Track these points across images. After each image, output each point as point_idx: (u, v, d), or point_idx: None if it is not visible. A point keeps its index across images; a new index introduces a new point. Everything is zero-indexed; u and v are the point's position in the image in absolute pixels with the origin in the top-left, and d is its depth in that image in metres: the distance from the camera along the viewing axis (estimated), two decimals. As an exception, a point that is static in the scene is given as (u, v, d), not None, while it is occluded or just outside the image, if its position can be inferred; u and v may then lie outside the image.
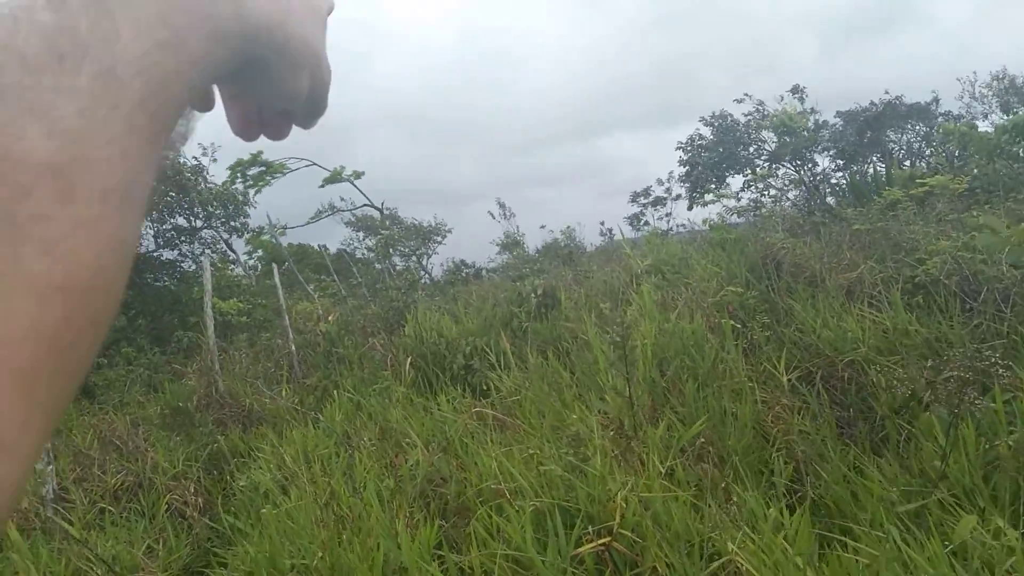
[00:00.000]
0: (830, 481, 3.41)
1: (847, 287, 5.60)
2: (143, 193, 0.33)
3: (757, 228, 6.98)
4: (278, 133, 0.50)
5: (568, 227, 22.13)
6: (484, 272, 21.09)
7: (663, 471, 2.66)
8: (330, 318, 6.78)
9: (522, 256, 17.44)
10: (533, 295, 6.24)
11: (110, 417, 6.18)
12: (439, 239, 23.45)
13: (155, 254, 12.67)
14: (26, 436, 0.27)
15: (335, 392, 5.79)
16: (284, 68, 0.42)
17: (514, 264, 13.85)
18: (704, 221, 7.17)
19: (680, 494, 2.51)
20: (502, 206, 24.77)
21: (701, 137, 17.43)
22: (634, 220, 24.08)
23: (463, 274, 20.47)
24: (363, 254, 25.24)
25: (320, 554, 2.82)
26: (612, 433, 2.93)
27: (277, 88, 0.43)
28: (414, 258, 22.22)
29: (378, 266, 23.04)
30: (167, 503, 4.89)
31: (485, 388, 5.42)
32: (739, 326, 4.82)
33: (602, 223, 19.19)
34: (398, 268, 21.49)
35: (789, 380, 4.46)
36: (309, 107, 0.48)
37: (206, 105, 0.45)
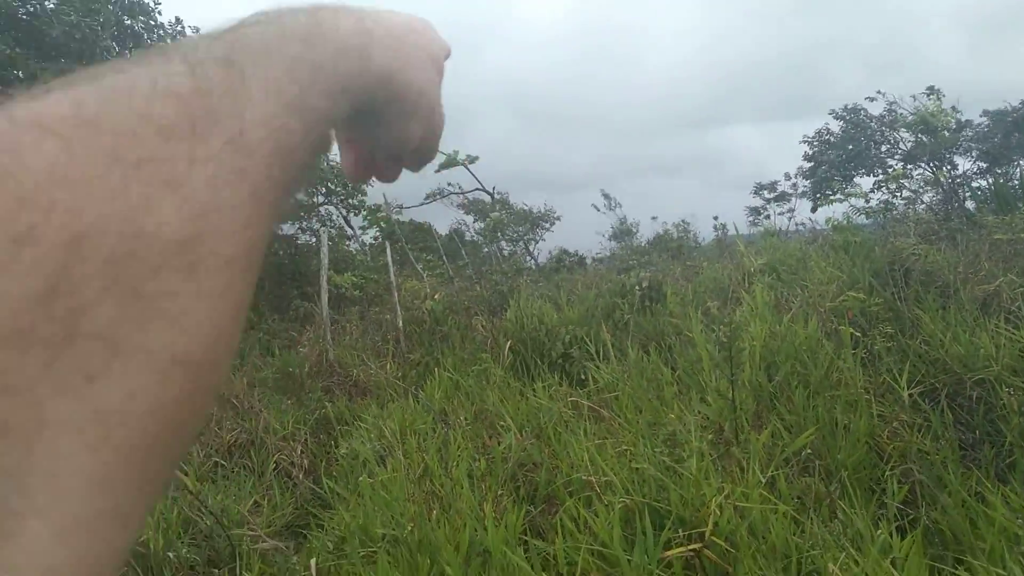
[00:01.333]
0: (948, 506, 3.16)
1: (982, 300, 5.15)
2: (260, 258, 0.33)
3: (886, 232, 6.52)
4: (388, 176, 0.51)
5: (682, 220, 21.59)
6: (589, 261, 20.96)
7: (763, 480, 2.53)
8: (436, 296, 6.92)
9: (630, 247, 17.17)
10: (637, 288, 6.11)
11: (229, 377, 6.60)
12: (547, 225, 23.48)
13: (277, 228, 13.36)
14: (138, 507, 0.28)
15: (436, 370, 5.92)
16: (399, 115, 0.42)
17: (621, 255, 13.64)
18: (827, 220, 6.78)
19: (781, 506, 2.38)
20: (607, 197, 24.49)
21: (829, 132, 16.47)
22: (754, 213, 23.16)
23: (566, 262, 20.44)
24: (472, 237, 25.69)
25: (410, 527, 2.88)
26: (711, 436, 2.82)
27: (390, 134, 0.44)
28: (521, 243, 22.38)
29: (485, 249, 23.37)
30: (275, 462, 5.18)
31: (583, 378, 5.38)
32: (859, 334, 4.52)
33: (715, 218, 18.56)
34: (505, 252, 21.71)
35: (910, 395, 4.15)
36: (419, 153, 0.49)
37: (324, 147, 0.45)
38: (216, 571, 3.79)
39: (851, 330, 4.40)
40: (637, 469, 2.82)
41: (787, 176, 20.69)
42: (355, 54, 0.37)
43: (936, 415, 3.93)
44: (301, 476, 5.24)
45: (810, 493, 2.64)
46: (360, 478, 3.87)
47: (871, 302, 5.23)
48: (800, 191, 20.90)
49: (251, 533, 3.88)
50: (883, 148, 15.62)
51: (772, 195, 22.19)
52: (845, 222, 6.67)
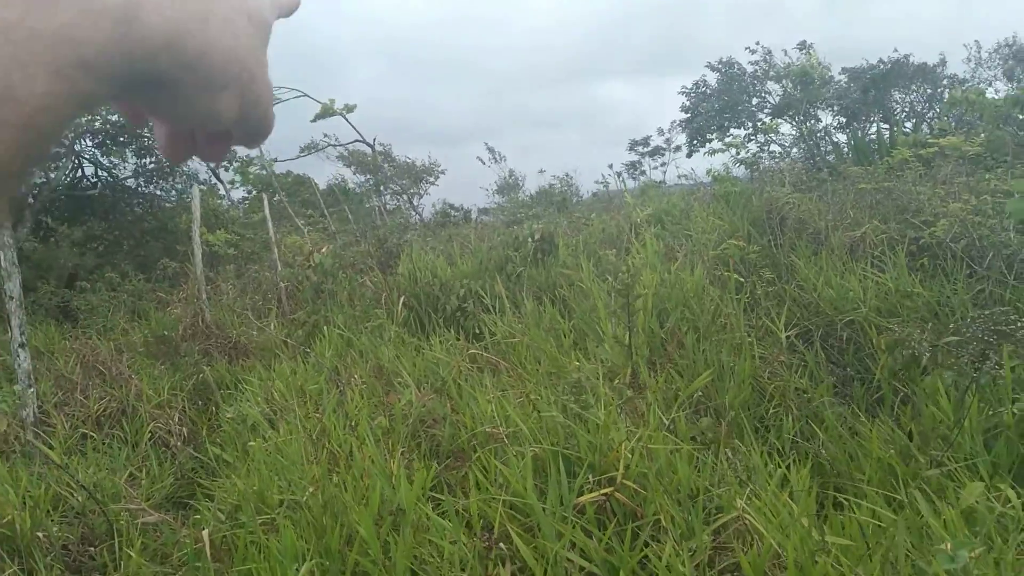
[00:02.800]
0: (828, 440, 3.39)
1: (850, 246, 5.52)
2: None
3: (762, 182, 6.85)
4: (212, 155, 0.45)
5: (566, 174, 21.88)
6: (475, 215, 20.89)
7: (666, 423, 2.59)
8: (323, 250, 6.62)
9: (516, 201, 17.22)
10: (530, 240, 6.11)
11: (93, 342, 6.06)
12: (431, 180, 23.11)
13: (136, 182, 12.32)
14: None
15: (325, 328, 5.69)
16: (200, 86, 0.36)
17: (510, 208, 13.64)
18: (708, 172, 7.03)
19: (684, 447, 2.44)
20: (491, 150, 24.39)
21: (706, 83, 17.07)
22: (631, 168, 23.82)
23: (452, 217, 20.26)
24: (354, 190, 24.87)
25: (311, 490, 2.75)
26: (616, 382, 2.85)
27: (194, 108, 0.37)
28: (404, 197, 21.92)
29: (367, 204, 22.72)
30: (151, 432, 4.82)
31: (478, 332, 5.34)
32: (741, 280, 4.73)
33: (603, 175, 18.98)
34: (389, 208, 21.21)
35: (788, 337, 4.41)
36: (246, 128, 0.42)
37: (137, 120, 0.41)
38: (92, 549, 3.50)
39: (736, 276, 4.59)
40: (543, 418, 2.81)
41: (660, 131, 21.39)
42: (110, 14, 0.30)
43: (811, 355, 4.20)
44: (180, 444, 4.92)
45: (708, 433, 2.73)
46: (250, 443, 3.66)
47: (750, 250, 5.48)
48: (674, 146, 21.71)
49: (130, 507, 3.59)
50: (754, 101, 16.39)
51: (646, 150, 22.90)
52: (725, 173, 6.94)
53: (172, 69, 0.34)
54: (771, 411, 3.65)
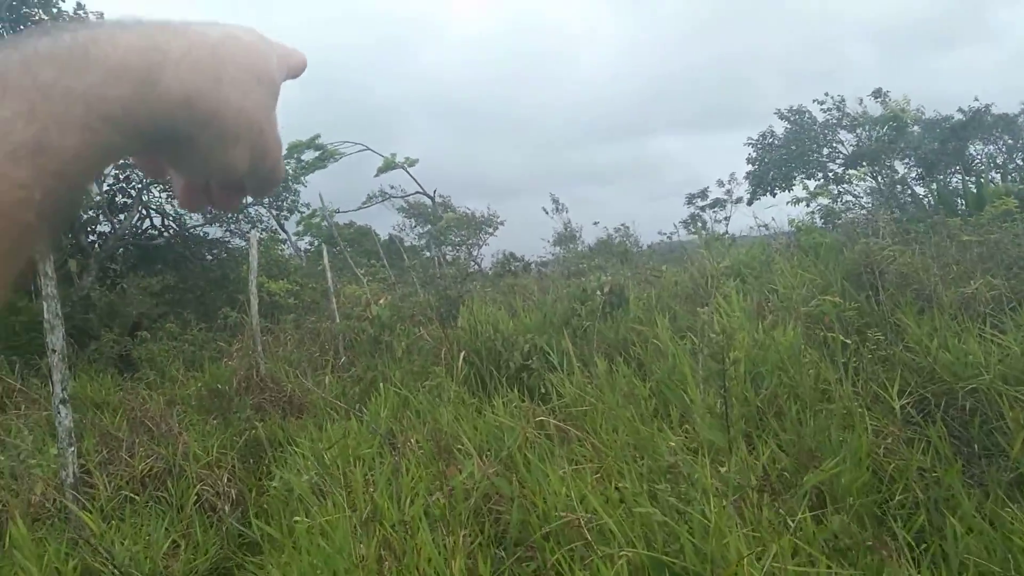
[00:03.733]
0: (962, 532, 2.83)
1: (961, 303, 4.93)
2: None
3: (852, 233, 6.30)
4: (226, 205, 0.48)
5: (623, 225, 21.50)
6: (534, 266, 20.64)
7: (791, 526, 2.11)
8: (381, 301, 6.36)
9: (576, 252, 16.87)
10: (599, 292, 5.70)
11: (143, 395, 5.88)
12: (490, 230, 23.03)
13: (202, 230, 12.49)
14: None
15: (381, 384, 5.35)
16: (215, 141, 0.40)
17: (571, 259, 13.27)
18: (792, 222, 6.52)
19: (820, 560, 1.96)
20: (555, 201, 24.27)
21: (773, 134, 16.52)
22: (690, 223, 23.29)
23: (512, 267, 20.04)
24: (413, 242, 25.02)
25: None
26: (724, 470, 2.38)
27: (210, 161, 0.41)
28: (464, 248, 21.85)
29: (428, 254, 22.75)
30: (197, 494, 4.52)
31: (543, 392, 4.92)
32: (845, 341, 4.20)
33: (673, 225, 18.52)
34: (448, 258, 21.14)
35: (902, 407, 3.85)
36: (257, 178, 0.45)
37: (157, 174, 0.46)
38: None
39: (839, 337, 4.07)
40: (634, 511, 2.36)
41: (720, 183, 20.85)
42: (134, 75, 0.34)
43: (933, 429, 3.63)
44: (227, 509, 4.60)
45: (842, 538, 2.23)
46: (296, 518, 3.30)
47: (847, 307, 4.94)
48: (735, 198, 21.09)
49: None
50: (824, 152, 15.75)
51: (704, 202, 22.33)
52: (809, 223, 6.43)
53: (188, 125, 0.38)
54: (895, 497, 3.10)
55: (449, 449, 4.01)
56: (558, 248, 23.02)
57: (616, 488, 2.79)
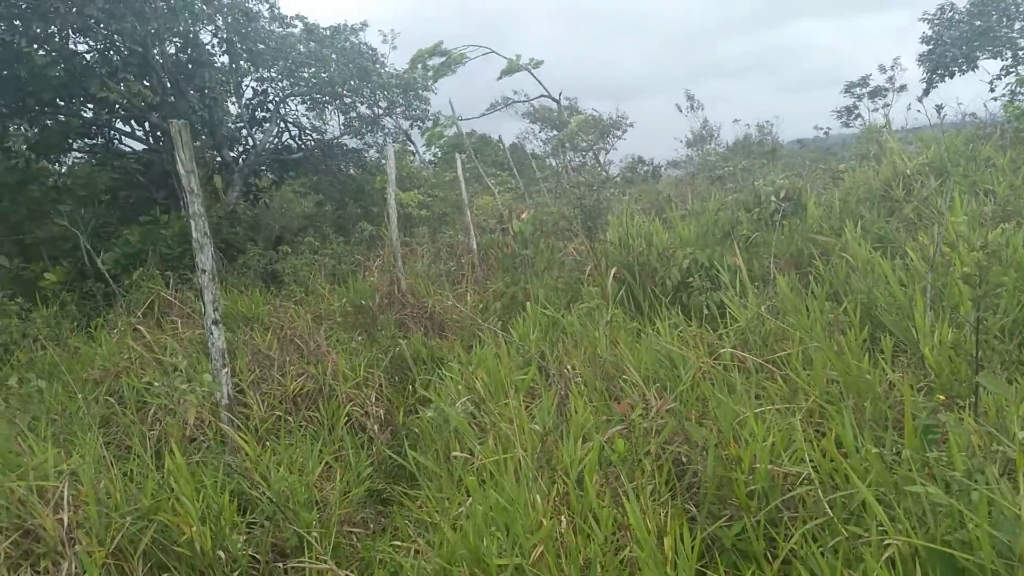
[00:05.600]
0: None
1: None
2: None
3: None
4: None
5: (766, 121, 19.79)
6: (663, 170, 19.55)
7: None
8: (523, 216, 5.96)
9: (714, 152, 15.66)
10: (773, 198, 4.99)
11: (292, 312, 5.88)
12: (619, 133, 21.92)
13: (340, 141, 12.52)
14: None
15: (527, 304, 5.02)
16: None
17: (713, 161, 12.25)
18: (1007, 108, 5.39)
19: None
20: (690, 98, 22.68)
21: (953, 7, 14.22)
22: (846, 113, 21.10)
23: (641, 171, 19.05)
24: (539, 148, 24.35)
25: (539, 550, 2.04)
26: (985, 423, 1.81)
27: None
28: (591, 153, 20.97)
29: (552, 162, 22.08)
30: (347, 414, 4.45)
31: (707, 313, 4.40)
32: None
33: (818, 127, 16.77)
34: (573, 164, 20.39)
35: None
36: None
37: None
38: (281, 564, 3.11)
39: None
40: (895, 475, 1.86)
41: (882, 68, 18.46)
42: None
43: None
44: (376, 430, 4.51)
45: None
46: (454, 454, 3.06)
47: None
48: (899, 86, 18.68)
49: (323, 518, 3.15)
50: (1016, 26, 13.40)
51: (864, 90, 19.98)
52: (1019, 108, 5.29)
53: None
54: None
55: (611, 377, 3.62)
56: (690, 150, 21.67)
57: (837, 441, 2.29)
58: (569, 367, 3.78)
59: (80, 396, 4.28)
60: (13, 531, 2.79)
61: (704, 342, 3.73)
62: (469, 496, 2.60)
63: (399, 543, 2.83)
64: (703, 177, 11.41)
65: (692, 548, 1.92)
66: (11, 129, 8.51)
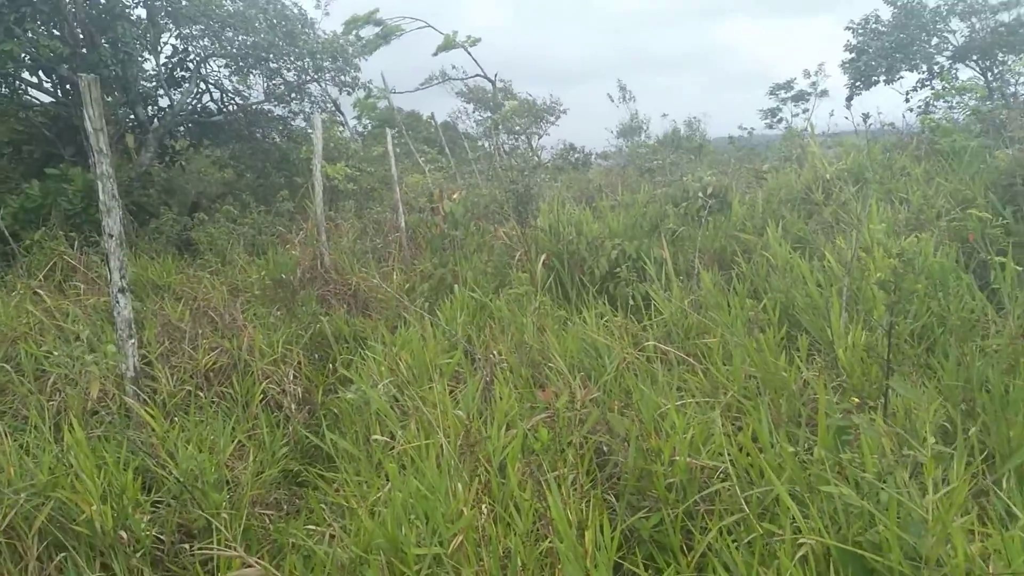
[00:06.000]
0: None
1: None
2: None
3: (995, 135, 5.46)
4: None
5: (692, 117, 20.25)
6: (593, 158, 19.74)
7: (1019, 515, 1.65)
8: (454, 196, 5.87)
9: (646, 145, 15.91)
10: (700, 195, 5.08)
11: (207, 283, 5.62)
12: (552, 119, 21.98)
13: (264, 107, 12.03)
14: None
15: (455, 287, 4.96)
16: None
17: (643, 154, 12.44)
18: (923, 120, 5.67)
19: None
20: (622, 88, 22.94)
21: (878, 19, 14.85)
22: (769, 115, 21.82)
23: (572, 159, 19.17)
24: (471, 128, 24.12)
25: (459, 539, 2.01)
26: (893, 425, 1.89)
27: None
28: (524, 137, 20.96)
29: (485, 143, 21.93)
30: (263, 392, 4.28)
31: (633, 305, 4.46)
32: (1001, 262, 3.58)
33: (743, 127, 17.25)
34: (506, 147, 20.32)
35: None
36: None
37: None
38: (187, 546, 2.96)
39: (1000, 259, 3.44)
40: (780, 465, 1.92)
41: (806, 73, 19.18)
42: None
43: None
44: (293, 409, 4.37)
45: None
46: (374, 438, 2.99)
47: (993, 222, 4.26)
48: (820, 91, 19.45)
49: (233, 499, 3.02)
50: (932, 42, 14.15)
51: (788, 94, 20.71)
52: (947, 122, 5.59)
53: None
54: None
55: (535, 364, 3.62)
56: (621, 140, 21.95)
57: (753, 436, 2.35)
58: (495, 352, 3.76)
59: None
60: None
61: (629, 333, 3.77)
62: (388, 482, 2.55)
63: (314, 527, 2.75)
64: (633, 169, 11.57)
65: (612, 540, 1.93)
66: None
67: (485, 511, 2.26)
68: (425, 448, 2.62)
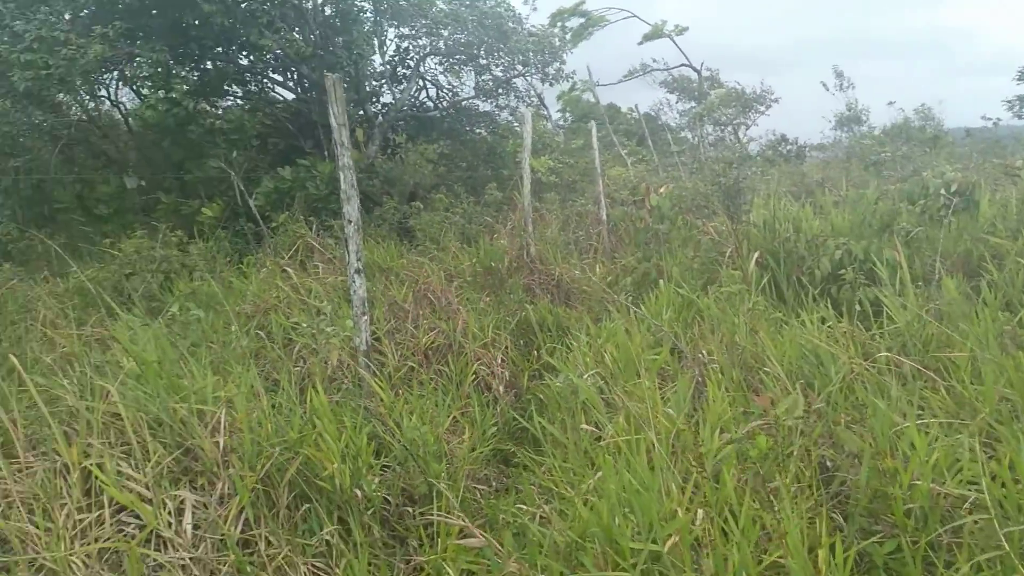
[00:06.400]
0: None
1: None
2: None
3: None
4: None
5: (923, 105, 18.23)
6: (808, 150, 18.43)
7: None
8: (661, 190, 5.79)
9: (871, 136, 14.59)
10: (942, 191, 4.57)
11: (427, 268, 6.04)
12: (762, 108, 20.83)
13: (473, 103, 12.63)
14: None
15: (660, 282, 4.90)
16: None
17: (868, 146, 11.41)
18: None
19: None
20: (838, 74, 21.20)
21: None
22: (1018, 104, 19.09)
23: (784, 151, 18.04)
24: (672, 121, 23.55)
25: (673, 540, 2.00)
26: None
27: None
28: (730, 128, 20.08)
29: (689, 135, 21.32)
30: (474, 372, 4.55)
31: (859, 309, 4.12)
32: None
33: (986, 117, 15.27)
34: (710, 138, 19.60)
35: None
36: None
37: None
38: (410, 509, 3.24)
39: None
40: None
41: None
42: None
43: None
44: (502, 390, 4.59)
45: None
46: (582, 426, 3.05)
47: None
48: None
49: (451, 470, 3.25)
50: None
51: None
52: None
53: None
54: None
55: (750, 368, 3.49)
56: (839, 131, 20.28)
57: (1010, 465, 2.09)
58: (705, 352, 3.67)
59: (233, 328, 4.60)
60: (175, 448, 3.03)
61: (856, 341, 3.50)
62: (598, 471, 2.59)
63: (523, 506, 2.87)
64: (856, 162, 10.66)
65: (844, 562, 1.82)
66: (177, 74, 9.13)
67: (701, 514, 2.22)
68: (635, 443, 2.63)
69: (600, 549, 2.06)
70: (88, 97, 10.31)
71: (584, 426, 3.04)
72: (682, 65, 22.01)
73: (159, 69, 8.70)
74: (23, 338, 4.82)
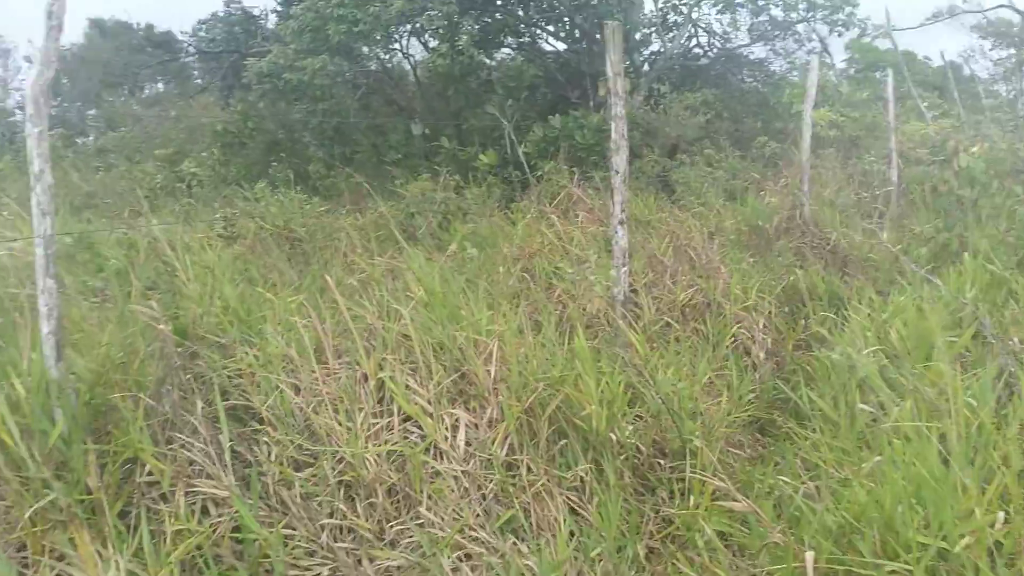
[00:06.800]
0: None
1: None
2: None
3: None
4: None
5: None
6: None
7: None
8: (973, 149, 5.00)
9: None
10: None
11: (687, 223, 5.90)
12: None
13: (747, 50, 11.84)
14: None
15: (961, 254, 4.29)
16: None
17: None
18: None
19: None
20: None
21: None
22: None
23: None
24: (986, 71, 20.10)
25: (966, 540, 1.79)
26: None
27: None
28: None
29: (1003, 87, 18.09)
30: (733, 335, 4.40)
31: None
32: None
33: None
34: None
35: None
36: None
37: None
38: (661, 462, 3.27)
39: None
40: None
41: None
42: None
43: None
44: (762, 357, 4.39)
45: None
46: (860, 406, 2.82)
47: None
48: None
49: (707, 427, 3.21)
50: None
51: None
52: None
53: None
54: None
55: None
56: None
57: None
58: (1016, 339, 3.17)
59: (502, 269, 4.92)
60: (453, 371, 3.35)
61: None
62: (876, 455, 2.39)
63: (784, 478, 2.76)
64: None
65: None
66: (463, 25, 9.72)
67: (1001, 516, 1.97)
68: (926, 432, 2.37)
69: (879, 537, 1.91)
70: (382, 50, 11.44)
71: (862, 405, 2.81)
72: (1000, 6, 18.51)
73: (447, 22, 9.34)
74: (329, 262, 5.62)
